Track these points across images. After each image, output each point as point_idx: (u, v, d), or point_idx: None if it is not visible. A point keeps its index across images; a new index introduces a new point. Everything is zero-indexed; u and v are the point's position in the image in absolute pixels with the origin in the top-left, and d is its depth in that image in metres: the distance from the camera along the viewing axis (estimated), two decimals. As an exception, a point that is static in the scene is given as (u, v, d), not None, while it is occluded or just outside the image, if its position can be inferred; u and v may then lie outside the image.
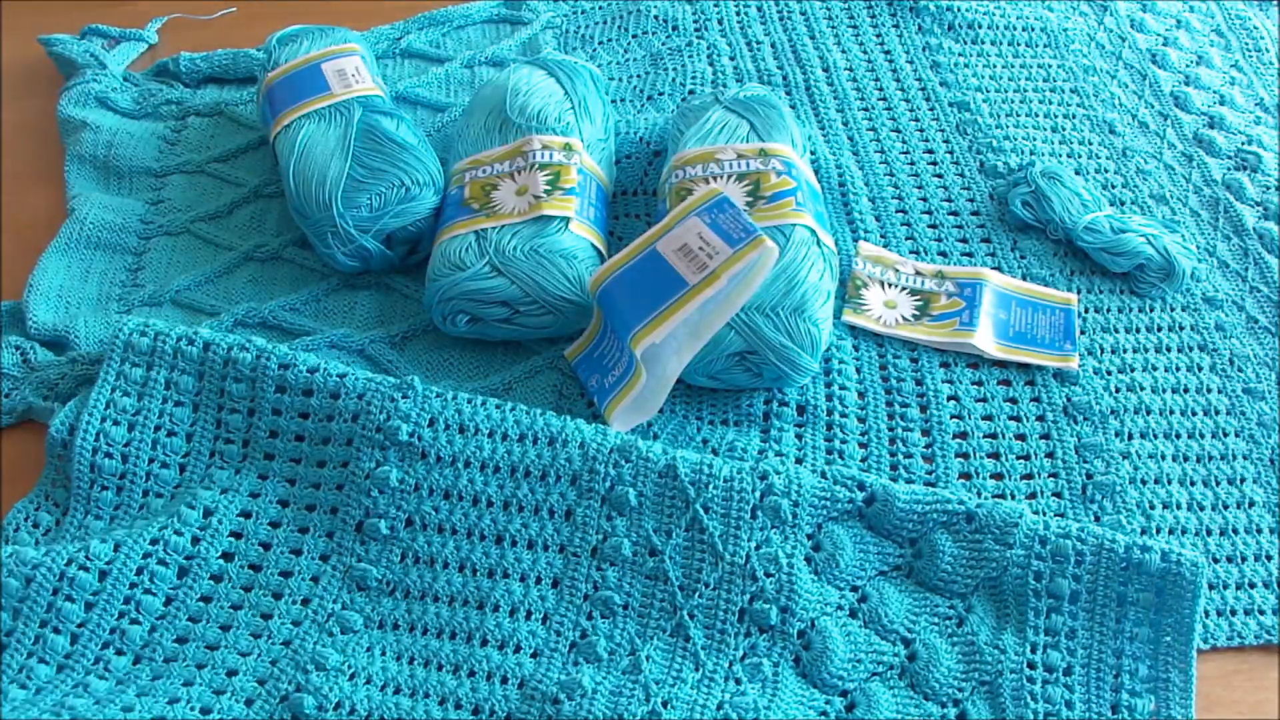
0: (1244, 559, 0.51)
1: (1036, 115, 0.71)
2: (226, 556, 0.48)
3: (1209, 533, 0.52)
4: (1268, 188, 0.67)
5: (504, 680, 0.45)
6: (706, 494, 0.47)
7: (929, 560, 0.47)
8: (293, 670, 0.45)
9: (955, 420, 0.55)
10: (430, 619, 0.47)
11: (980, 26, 0.77)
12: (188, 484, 0.50)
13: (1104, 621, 0.45)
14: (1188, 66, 0.75)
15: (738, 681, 0.45)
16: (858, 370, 0.57)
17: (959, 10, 0.78)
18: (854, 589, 0.47)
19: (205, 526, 0.48)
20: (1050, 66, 0.75)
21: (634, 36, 0.77)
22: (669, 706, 0.44)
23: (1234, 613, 0.49)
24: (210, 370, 0.51)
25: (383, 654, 0.46)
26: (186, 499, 0.49)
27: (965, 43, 0.77)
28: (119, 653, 0.45)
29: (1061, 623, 0.45)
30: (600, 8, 0.79)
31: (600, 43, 0.77)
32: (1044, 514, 0.51)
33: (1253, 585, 0.50)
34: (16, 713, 0.42)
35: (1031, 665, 0.45)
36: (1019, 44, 0.77)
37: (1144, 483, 0.53)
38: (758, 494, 0.47)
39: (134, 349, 0.51)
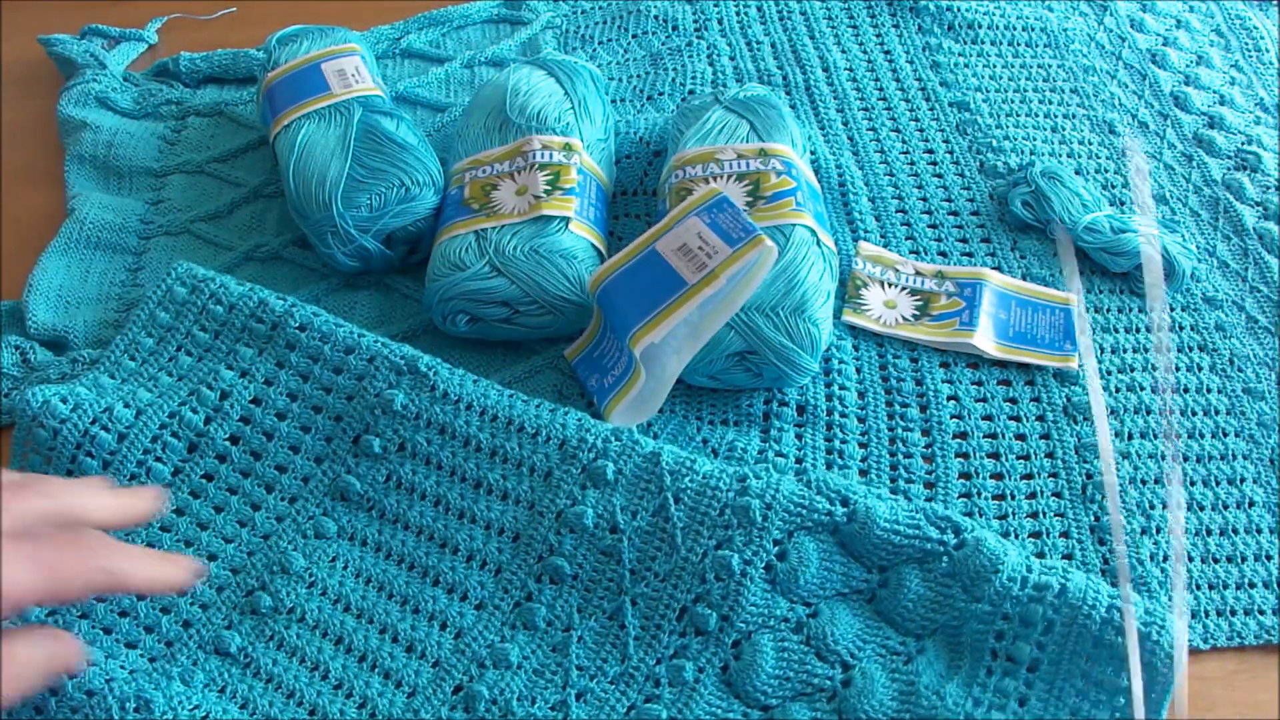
0: (1244, 559, 0.51)
1: (1036, 115, 0.71)
2: (233, 439, 0.51)
3: (1209, 533, 0.52)
4: (1268, 188, 0.67)
5: (443, 626, 0.46)
6: (681, 483, 0.47)
7: (893, 592, 0.45)
8: (262, 568, 0.48)
9: (955, 420, 0.55)
10: (396, 545, 0.49)
11: (980, 26, 0.77)
12: (214, 351, 0.53)
13: (1062, 695, 0.42)
14: (1188, 66, 0.75)
15: (656, 683, 0.45)
16: (858, 370, 0.57)
17: (959, 10, 0.78)
18: (806, 604, 0.46)
19: (219, 409, 0.51)
20: (1050, 66, 0.75)
21: (634, 36, 0.77)
22: (582, 700, 0.44)
23: (1234, 613, 0.49)
24: (229, 326, 0.54)
25: (344, 567, 0.48)
26: (208, 378, 0.52)
27: (965, 43, 0.77)
28: None
29: (1014, 687, 0.43)
30: (600, 8, 0.79)
31: (600, 43, 0.77)
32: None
33: (1253, 585, 0.50)
34: None
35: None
36: (1019, 44, 0.77)
37: (1144, 483, 0.53)
38: (731, 493, 0.46)
39: (172, 297, 0.55)
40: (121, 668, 0.44)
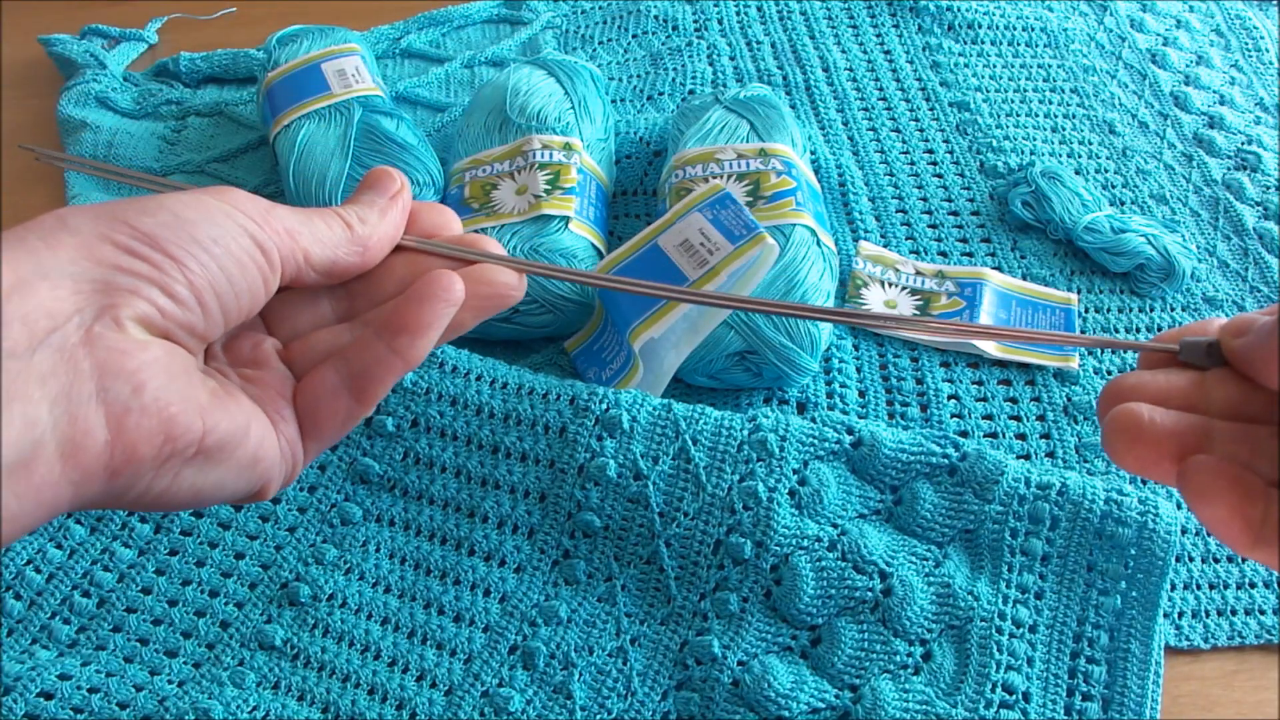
0: (1244, 559, 0.51)
1: (1036, 115, 0.71)
2: None
3: (1209, 532, 0.52)
4: (1268, 188, 0.67)
5: (486, 593, 0.46)
6: (697, 427, 0.48)
7: (909, 507, 0.47)
8: (295, 560, 0.47)
9: (956, 420, 0.55)
10: (425, 520, 0.49)
11: (980, 26, 0.77)
12: None
13: (1072, 587, 0.46)
14: (1188, 66, 0.75)
15: (704, 618, 0.45)
16: (858, 369, 0.57)
17: (959, 10, 0.78)
18: (834, 525, 0.47)
19: None
20: (1050, 66, 0.75)
21: (634, 36, 0.77)
22: (636, 644, 0.45)
23: (1234, 612, 0.49)
24: None
25: (377, 550, 0.48)
26: None
27: (965, 43, 0.77)
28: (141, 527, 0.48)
29: (1032, 581, 0.46)
30: (600, 8, 0.79)
31: (600, 43, 0.77)
32: (1034, 456, 0.50)
33: (1253, 585, 0.50)
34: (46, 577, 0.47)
35: (1001, 616, 0.45)
36: (1019, 44, 0.77)
37: (1144, 483, 0.53)
38: (745, 431, 0.48)
39: None
40: (170, 682, 0.43)
